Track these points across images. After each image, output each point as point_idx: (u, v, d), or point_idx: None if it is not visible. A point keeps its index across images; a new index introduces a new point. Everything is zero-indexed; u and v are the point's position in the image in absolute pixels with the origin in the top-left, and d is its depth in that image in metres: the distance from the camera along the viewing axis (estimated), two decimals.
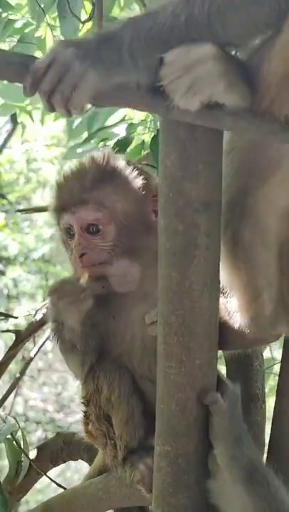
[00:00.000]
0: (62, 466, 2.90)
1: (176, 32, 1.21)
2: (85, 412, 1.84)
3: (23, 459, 2.21)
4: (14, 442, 2.18)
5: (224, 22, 1.21)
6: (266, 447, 1.67)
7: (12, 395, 2.87)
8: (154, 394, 1.64)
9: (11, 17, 2.62)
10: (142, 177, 1.72)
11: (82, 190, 1.70)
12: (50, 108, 1.20)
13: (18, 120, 3.33)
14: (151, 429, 1.68)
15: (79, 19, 2.31)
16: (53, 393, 8.00)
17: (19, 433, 2.20)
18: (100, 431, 1.80)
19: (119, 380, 1.76)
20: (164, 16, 1.21)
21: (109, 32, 1.23)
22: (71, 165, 1.78)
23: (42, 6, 2.38)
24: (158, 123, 2.53)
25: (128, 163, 1.76)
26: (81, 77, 1.17)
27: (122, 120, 2.64)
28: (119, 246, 1.70)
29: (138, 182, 1.71)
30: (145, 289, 1.71)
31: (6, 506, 1.93)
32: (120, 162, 1.74)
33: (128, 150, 2.57)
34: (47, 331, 2.94)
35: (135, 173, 1.72)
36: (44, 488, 6.36)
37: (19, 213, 7.22)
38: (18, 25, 2.68)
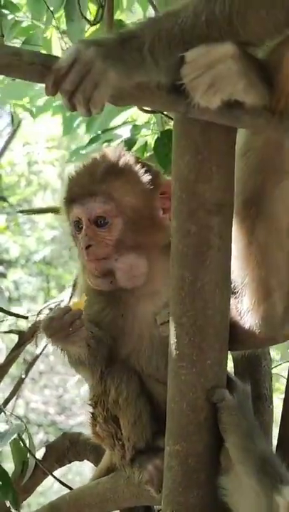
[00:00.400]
0: (63, 468, 2.91)
1: (197, 31, 1.23)
2: (92, 414, 1.84)
3: (28, 458, 2.22)
4: (20, 442, 2.18)
5: (244, 21, 1.23)
6: (274, 447, 1.68)
7: (13, 398, 2.88)
8: (162, 394, 1.65)
9: (17, 18, 2.62)
10: (150, 174, 1.74)
11: (91, 183, 1.72)
12: (72, 107, 1.21)
13: (15, 114, 3.34)
14: (160, 430, 1.70)
15: (88, 21, 2.32)
16: (54, 396, 8.00)
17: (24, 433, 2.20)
18: (108, 432, 1.81)
19: (127, 382, 1.76)
20: (185, 15, 1.22)
21: (129, 31, 1.24)
22: (82, 162, 1.81)
23: (51, 8, 2.39)
24: (162, 125, 2.55)
25: (138, 160, 1.78)
26: (102, 76, 1.18)
27: (126, 122, 2.65)
28: (125, 240, 1.71)
29: (147, 178, 1.72)
30: (153, 286, 1.73)
31: (17, 502, 1.94)
32: (130, 158, 1.76)
33: (131, 151, 2.58)
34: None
35: (144, 169, 1.74)
36: (46, 491, 6.35)
37: (20, 215, 7.23)
38: (23, 25, 2.68)
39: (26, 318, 2.56)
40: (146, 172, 1.74)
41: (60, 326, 1.67)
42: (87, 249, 1.71)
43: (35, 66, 1.21)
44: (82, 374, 1.85)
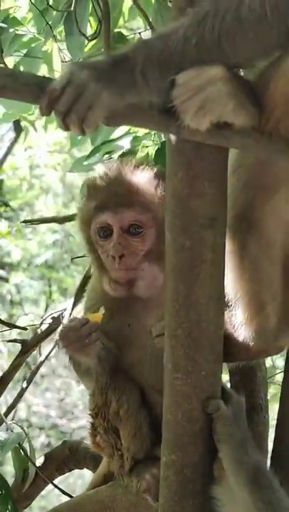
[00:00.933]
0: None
1: (187, 55, 1.26)
2: (92, 424, 1.86)
3: (29, 466, 2.24)
4: (21, 450, 2.21)
5: (234, 45, 1.26)
6: (269, 456, 1.70)
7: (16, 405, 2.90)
8: (162, 405, 1.68)
9: (18, 32, 2.66)
10: None
11: (128, 192, 1.73)
12: (65, 127, 1.24)
13: (22, 124, 3.35)
14: (158, 440, 1.72)
15: (86, 37, 2.35)
16: (56, 399, 8.02)
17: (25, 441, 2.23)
18: (108, 443, 1.83)
19: (129, 394, 1.78)
20: (176, 38, 1.26)
21: (121, 54, 1.27)
22: (108, 167, 1.81)
23: (50, 22, 2.42)
24: (162, 136, 2.58)
25: (159, 169, 1.80)
26: (95, 97, 1.22)
27: (127, 133, 2.68)
28: (154, 251, 1.74)
29: None
30: (162, 297, 1.75)
31: None
32: (160, 170, 1.78)
33: None
34: (52, 340, 2.97)
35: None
36: (47, 494, 6.37)
37: (23, 218, 7.26)
38: (24, 39, 2.72)
39: (25, 329, 2.59)
40: None
41: (76, 337, 1.69)
42: (120, 258, 1.72)
43: (30, 87, 1.24)
44: (86, 383, 1.87)
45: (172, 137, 1.41)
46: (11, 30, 2.57)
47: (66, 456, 2.31)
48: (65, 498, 2.18)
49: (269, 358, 2.62)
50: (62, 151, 7.65)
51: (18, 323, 3.03)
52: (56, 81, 1.24)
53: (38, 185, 8.24)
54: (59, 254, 8.14)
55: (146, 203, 1.74)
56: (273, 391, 2.74)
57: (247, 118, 1.31)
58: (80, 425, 7.18)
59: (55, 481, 2.33)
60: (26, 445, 2.25)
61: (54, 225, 8.13)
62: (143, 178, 1.76)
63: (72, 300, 2.71)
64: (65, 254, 8.11)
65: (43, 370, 7.86)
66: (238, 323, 1.59)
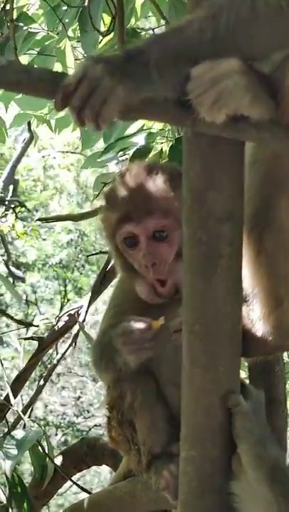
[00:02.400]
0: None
1: (203, 48, 1.25)
2: (108, 418, 1.87)
3: (47, 463, 2.25)
4: (39, 447, 2.21)
5: (249, 37, 1.25)
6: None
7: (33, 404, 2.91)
8: (178, 399, 1.68)
9: (31, 30, 2.66)
10: None
11: (146, 200, 1.74)
12: (81, 122, 1.23)
13: (32, 129, 3.37)
14: (175, 435, 1.72)
15: (100, 33, 2.35)
16: (72, 397, 8.04)
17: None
18: (124, 437, 1.83)
19: (143, 386, 1.78)
20: (191, 31, 1.25)
21: (136, 48, 1.27)
22: (122, 175, 1.80)
23: (66, 20, 2.42)
24: (176, 133, 2.58)
25: (176, 168, 1.79)
26: (110, 92, 1.21)
27: (141, 129, 2.68)
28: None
29: None
30: None
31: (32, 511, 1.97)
32: (174, 169, 1.78)
33: (147, 159, 2.60)
34: (66, 337, 2.98)
35: None
36: (64, 492, 6.40)
37: (37, 219, 7.28)
38: (38, 37, 2.72)
39: (37, 326, 2.59)
40: None
41: (138, 340, 1.70)
42: (153, 267, 1.73)
43: (45, 83, 1.24)
44: (104, 378, 1.86)
45: (188, 131, 1.40)
46: (24, 28, 2.57)
47: (84, 453, 2.32)
48: (83, 496, 2.18)
49: (285, 353, 2.61)
50: (76, 151, 7.67)
51: (33, 323, 3.05)
52: (71, 76, 1.24)
53: (52, 185, 8.27)
54: (74, 253, 8.17)
55: (167, 206, 1.74)
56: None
57: (263, 111, 1.30)
58: (96, 423, 7.19)
59: (73, 479, 2.34)
60: (44, 443, 2.26)
61: (69, 225, 8.15)
62: (160, 182, 1.75)
63: (88, 297, 2.72)
64: (79, 254, 8.14)
65: (59, 368, 7.88)
66: (256, 318, 1.58)
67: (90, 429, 7.20)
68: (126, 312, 1.80)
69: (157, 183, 1.75)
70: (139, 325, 1.70)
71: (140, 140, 2.60)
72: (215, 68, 1.25)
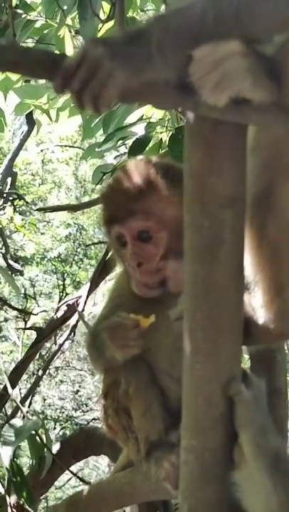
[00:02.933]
0: (80, 463, 2.92)
1: (205, 28, 1.23)
2: (104, 407, 1.87)
3: (45, 454, 2.23)
4: (37, 438, 2.20)
5: (253, 17, 1.23)
6: None
7: (31, 395, 2.90)
8: (174, 390, 1.66)
9: (30, 17, 2.64)
10: (178, 175, 1.75)
11: (128, 202, 1.74)
12: (80, 105, 1.21)
13: (34, 117, 3.34)
14: (173, 424, 1.71)
15: (100, 19, 2.32)
16: (70, 391, 8.04)
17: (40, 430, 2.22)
18: (120, 425, 1.83)
19: (137, 372, 1.79)
20: (193, 12, 1.23)
21: (137, 30, 1.24)
22: (117, 176, 1.82)
23: (64, 7, 2.40)
24: (176, 122, 2.56)
25: (165, 165, 1.80)
26: (110, 74, 1.19)
27: (141, 119, 2.65)
28: (172, 249, 1.74)
29: (178, 182, 1.73)
30: None
31: (32, 500, 1.96)
32: (160, 166, 1.78)
33: (146, 149, 2.58)
34: (65, 329, 2.97)
35: (172, 173, 1.76)
36: (62, 485, 6.39)
37: (36, 214, 7.27)
38: (37, 25, 2.70)
39: (35, 314, 2.58)
40: (174, 175, 1.75)
41: (124, 336, 1.70)
42: (139, 266, 1.74)
43: (44, 64, 1.22)
44: (99, 366, 1.86)
45: (190, 116, 1.38)
46: (23, 15, 2.55)
47: (83, 443, 2.31)
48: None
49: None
50: (74, 145, 7.65)
51: (31, 318, 3.03)
52: (71, 58, 1.22)
53: (51, 179, 8.25)
54: (72, 247, 8.15)
55: (149, 207, 1.74)
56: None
57: (266, 93, 1.28)
58: (94, 417, 7.18)
59: (70, 474, 2.32)
60: (42, 434, 2.24)
61: (67, 219, 8.13)
62: (144, 182, 1.75)
63: (87, 287, 2.70)
64: (78, 248, 8.12)
65: (57, 362, 7.88)
66: (258, 305, 1.56)
67: (88, 423, 7.19)
68: (124, 304, 1.81)
69: (141, 182, 1.75)
70: (127, 322, 1.71)
71: (140, 130, 2.58)
72: (217, 50, 1.23)
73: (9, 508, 2.08)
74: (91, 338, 1.81)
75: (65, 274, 7.98)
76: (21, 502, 2.06)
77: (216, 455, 1.50)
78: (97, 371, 1.88)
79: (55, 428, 7.26)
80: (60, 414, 7.67)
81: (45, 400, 7.67)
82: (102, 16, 2.48)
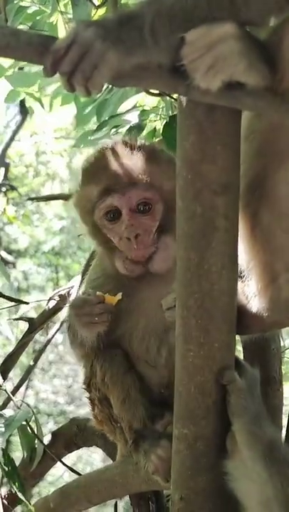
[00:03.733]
0: (73, 458, 2.91)
1: (198, 11, 1.21)
2: (89, 398, 1.87)
3: (37, 445, 2.22)
4: (28, 429, 2.18)
5: (246, 0, 1.20)
6: (284, 430, 1.67)
7: (23, 388, 2.88)
8: (152, 377, 1.70)
9: (22, 3, 2.61)
10: (170, 156, 1.75)
11: (130, 172, 1.72)
12: (70, 88, 1.19)
13: (27, 105, 3.31)
14: (158, 413, 1.73)
15: (94, 4, 2.30)
16: (63, 385, 8.03)
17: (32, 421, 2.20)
18: (104, 414, 1.83)
19: (110, 361, 1.78)
20: None
21: (130, 12, 1.22)
22: (102, 150, 1.78)
23: None
24: (169, 110, 2.53)
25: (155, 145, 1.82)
26: (101, 56, 1.17)
27: (134, 107, 2.63)
28: (165, 224, 1.73)
29: (172, 161, 1.73)
30: (169, 270, 1.72)
31: (24, 491, 1.94)
32: (154, 144, 1.82)
33: (140, 137, 2.56)
34: (58, 323, 2.95)
35: (165, 153, 1.77)
36: (56, 480, 6.38)
37: (29, 206, 7.24)
38: (29, 11, 2.67)
39: (27, 303, 2.56)
40: (167, 155, 1.77)
41: (88, 312, 1.68)
42: (136, 238, 1.71)
43: (34, 46, 1.19)
44: (78, 354, 1.85)
45: (183, 100, 1.36)
46: (16, 1, 2.52)
47: (74, 434, 2.29)
48: None
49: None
50: (68, 137, 7.61)
51: (23, 312, 3.00)
52: (61, 40, 1.19)
53: (44, 171, 8.21)
54: (66, 240, 8.12)
55: (149, 179, 1.73)
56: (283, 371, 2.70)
57: (259, 78, 1.26)
58: (88, 411, 7.16)
59: (62, 469, 2.31)
60: (34, 426, 2.23)
61: (61, 212, 8.10)
62: (141, 155, 1.75)
63: (79, 278, 2.68)
64: (72, 241, 8.10)
65: (50, 357, 7.87)
66: (251, 294, 1.54)
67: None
68: (99, 287, 1.79)
69: (139, 156, 1.75)
70: (91, 298, 1.69)
71: (133, 118, 2.56)
72: (210, 33, 1.21)
73: (0, 499, 2.07)
74: (68, 324, 1.80)
75: (59, 267, 7.96)
76: (13, 492, 2.05)
77: (209, 444, 1.49)
78: (75, 358, 1.86)
79: (48, 422, 7.25)
80: (54, 409, 7.66)
81: (38, 394, 7.65)
82: (96, 2, 2.45)
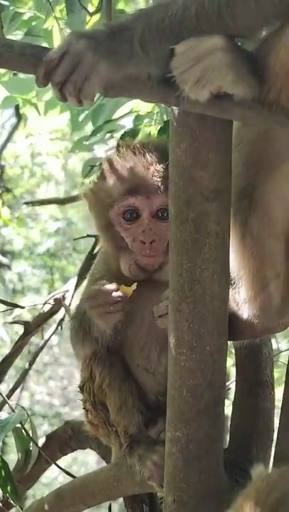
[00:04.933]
0: (68, 459, 2.92)
1: (187, 24, 1.23)
2: (83, 401, 1.86)
3: (31, 448, 2.23)
4: (23, 431, 2.19)
5: (234, 13, 1.23)
6: (275, 432, 1.68)
7: (18, 389, 2.89)
8: (151, 383, 1.69)
9: (18, 10, 2.62)
10: None
11: (157, 177, 1.70)
12: (62, 98, 1.21)
13: (21, 112, 3.32)
14: (152, 419, 1.73)
15: (88, 12, 2.31)
16: (59, 387, 8.03)
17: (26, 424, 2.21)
18: (99, 418, 1.82)
19: (110, 368, 1.77)
20: (175, 7, 1.23)
21: (120, 23, 1.24)
22: (127, 147, 1.75)
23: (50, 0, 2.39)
24: (164, 115, 2.55)
25: None
26: (93, 68, 1.19)
27: (129, 112, 2.65)
28: None
29: None
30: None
31: (17, 494, 1.95)
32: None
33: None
34: (53, 325, 2.96)
35: None
36: (50, 482, 6.39)
37: (24, 207, 7.24)
38: (25, 17, 2.69)
39: (23, 307, 2.57)
40: None
41: (104, 301, 1.66)
42: (151, 243, 1.70)
43: (27, 57, 1.22)
44: (78, 353, 1.85)
45: (175, 108, 1.38)
46: (11, 8, 2.53)
47: (69, 437, 2.30)
48: None
49: (273, 341, 2.59)
50: (64, 138, 7.62)
51: (18, 314, 3.01)
52: (53, 51, 1.22)
53: (40, 173, 8.21)
54: (61, 242, 8.12)
55: None
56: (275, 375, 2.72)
57: (247, 89, 1.28)
58: (82, 413, 7.16)
59: (57, 471, 2.32)
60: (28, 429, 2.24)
61: (56, 213, 8.11)
62: (165, 162, 1.68)
63: (74, 281, 2.70)
64: (67, 243, 8.10)
65: (45, 358, 7.87)
66: (242, 301, 1.56)
67: (76, 419, 7.19)
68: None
69: (163, 163, 1.71)
70: (106, 287, 1.67)
71: (128, 123, 2.58)
72: (199, 45, 1.23)
73: None
74: (75, 323, 1.79)
75: (54, 269, 7.96)
76: (6, 497, 2.06)
77: (201, 446, 1.51)
78: (77, 357, 1.85)
79: (42, 424, 7.25)
80: (49, 410, 7.66)
81: (33, 395, 7.65)
82: (90, 9, 2.47)
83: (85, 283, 1.96)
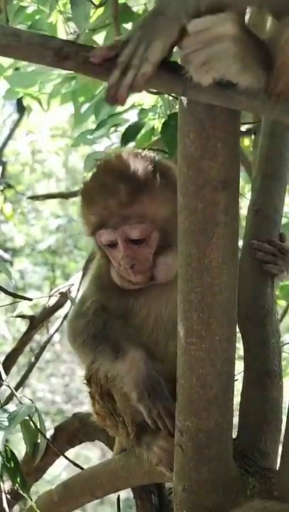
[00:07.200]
0: (72, 454, 2.92)
1: None
2: (90, 393, 1.87)
3: (39, 440, 2.24)
4: (31, 423, 2.20)
5: None
6: (284, 423, 1.69)
7: (23, 383, 2.90)
8: (159, 370, 1.69)
9: (22, 3, 2.62)
10: (166, 173, 1.72)
11: (121, 207, 1.68)
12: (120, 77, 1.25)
13: (25, 104, 3.31)
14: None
15: (93, 3, 2.32)
16: (60, 384, 8.04)
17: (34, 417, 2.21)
18: (106, 409, 1.83)
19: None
20: None
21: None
22: (99, 171, 1.74)
23: None
24: (168, 109, 2.56)
25: (151, 159, 1.75)
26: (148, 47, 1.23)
27: (133, 106, 2.65)
28: (162, 245, 1.72)
29: (168, 181, 1.70)
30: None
31: (25, 487, 1.96)
32: (146, 161, 1.73)
33: (138, 135, 2.58)
34: (56, 322, 2.97)
35: (160, 171, 1.71)
36: (53, 479, 6.40)
37: (25, 205, 7.24)
38: (28, 11, 2.69)
39: (31, 299, 2.57)
40: (163, 172, 1.71)
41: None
42: (132, 268, 1.72)
43: (34, 46, 1.22)
44: (81, 354, 1.85)
45: (184, 98, 1.39)
46: (15, 1, 2.54)
47: (77, 429, 2.31)
48: None
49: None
50: (64, 135, 7.61)
51: (21, 310, 3.01)
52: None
53: (41, 170, 8.21)
54: (62, 239, 8.13)
55: (143, 211, 1.69)
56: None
57: (253, 79, 1.27)
58: (85, 410, 7.17)
59: (63, 463, 2.33)
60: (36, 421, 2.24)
61: (57, 210, 8.11)
62: (132, 184, 1.69)
63: (80, 274, 2.70)
64: (68, 240, 8.10)
65: (47, 355, 7.87)
66: None
67: None
68: (106, 287, 1.80)
69: (132, 186, 1.69)
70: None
71: (132, 116, 2.58)
72: (211, 29, 1.23)
73: (3, 494, 2.08)
74: (80, 322, 1.79)
75: (55, 266, 7.97)
76: (15, 488, 2.06)
77: (211, 435, 1.52)
78: (81, 358, 1.85)
79: (45, 421, 7.26)
80: (51, 407, 7.67)
81: (34, 393, 7.66)
82: (95, 2, 2.47)
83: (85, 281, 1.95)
